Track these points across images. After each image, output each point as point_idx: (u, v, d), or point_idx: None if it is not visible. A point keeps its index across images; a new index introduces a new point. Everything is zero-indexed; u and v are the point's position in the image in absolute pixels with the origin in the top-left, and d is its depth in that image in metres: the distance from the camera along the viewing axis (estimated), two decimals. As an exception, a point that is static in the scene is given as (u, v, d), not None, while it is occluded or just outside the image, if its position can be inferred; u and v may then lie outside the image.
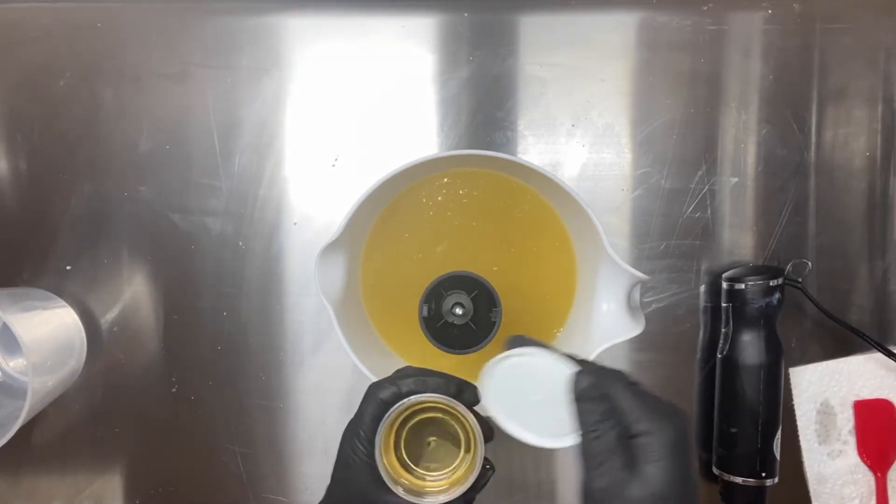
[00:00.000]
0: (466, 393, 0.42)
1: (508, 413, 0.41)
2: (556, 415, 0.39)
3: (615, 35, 0.59)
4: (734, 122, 0.60)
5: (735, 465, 0.56)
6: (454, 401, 0.41)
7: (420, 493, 0.41)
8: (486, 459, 0.42)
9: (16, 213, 0.59)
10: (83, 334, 0.60)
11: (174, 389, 0.60)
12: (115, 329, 0.60)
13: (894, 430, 0.61)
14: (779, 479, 0.57)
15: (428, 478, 0.43)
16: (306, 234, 0.60)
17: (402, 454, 0.43)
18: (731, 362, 0.57)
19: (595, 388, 0.37)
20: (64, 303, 0.59)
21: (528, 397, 0.40)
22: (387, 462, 0.41)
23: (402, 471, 0.43)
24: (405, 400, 0.40)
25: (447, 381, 0.42)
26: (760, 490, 0.56)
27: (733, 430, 0.57)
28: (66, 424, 0.61)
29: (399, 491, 0.40)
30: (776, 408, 0.57)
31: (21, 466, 0.61)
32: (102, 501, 0.61)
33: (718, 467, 0.58)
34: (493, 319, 0.49)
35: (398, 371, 0.43)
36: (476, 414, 0.42)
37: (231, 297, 0.60)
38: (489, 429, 0.42)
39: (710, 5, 0.59)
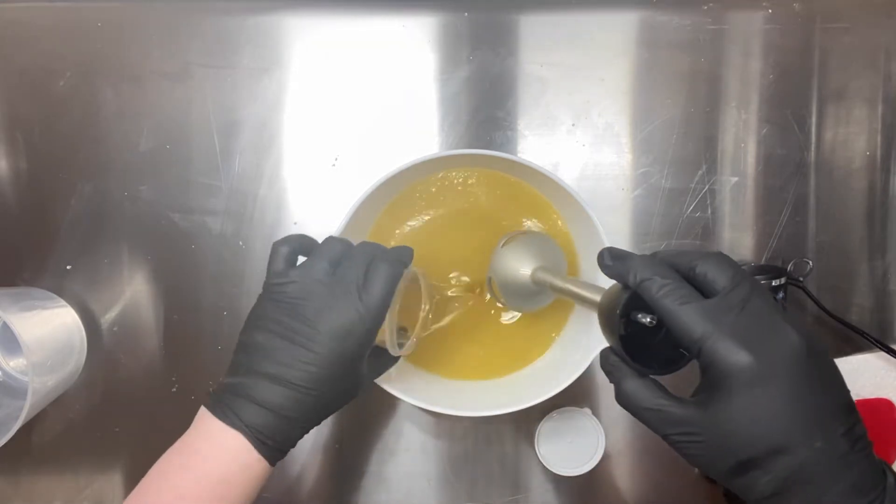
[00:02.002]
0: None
1: (552, 455, 0.58)
2: (580, 453, 0.58)
3: (615, 35, 0.59)
4: (734, 122, 0.60)
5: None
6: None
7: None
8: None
9: (16, 213, 0.59)
10: (83, 334, 0.60)
11: (174, 389, 0.60)
12: (115, 329, 0.60)
13: (894, 430, 0.61)
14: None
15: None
16: (307, 234, 0.60)
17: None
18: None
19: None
20: (64, 302, 0.59)
21: (565, 440, 0.58)
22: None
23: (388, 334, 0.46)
24: (407, 270, 0.45)
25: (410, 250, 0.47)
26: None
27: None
28: (66, 424, 0.61)
29: (397, 351, 0.45)
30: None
31: (21, 466, 0.61)
32: (102, 501, 0.61)
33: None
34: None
35: (367, 245, 0.45)
36: None
37: (231, 297, 0.60)
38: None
39: (710, 5, 0.59)
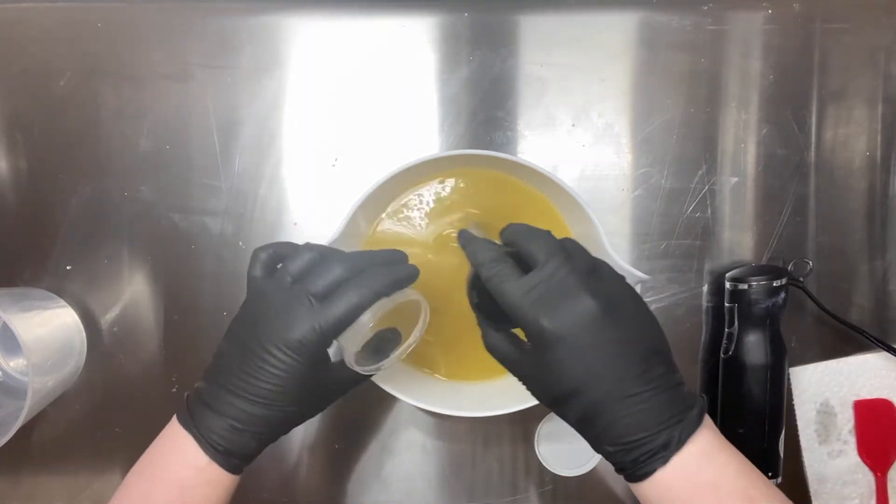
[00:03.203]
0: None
1: (552, 455, 0.60)
2: (580, 453, 0.59)
3: (615, 35, 0.59)
4: (734, 122, 0.60)
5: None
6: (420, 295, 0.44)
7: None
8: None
9: (16, 213, 0.59)
10: (83, 334, 0.60)
11: (174, 389, 0.60)
12: (115, 329, 0.60)
13: (894, 430, 0.61)
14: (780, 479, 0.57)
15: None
16: (306, 234, 0.60)
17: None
18: (736, 362, 0.57)
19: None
20: (64, 303, 0.59)
21: (565, 441, 0.59)
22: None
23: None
24: (401, 294, 0.42)
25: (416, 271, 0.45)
26: (761, 490, 0.56)
27: (740, 430, 0.57)
28: (66, 424, 0.61)
29: (357, 368, 0.42)
30: (781, 407, 0.57)
31: (21, 466, 0.61)
32: (102, 501, 0.61)
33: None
34: None
35: (359, 255, 0.43)
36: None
37: (231, 297, 0.60)
38: None
39: (710, 5, 0.59)
